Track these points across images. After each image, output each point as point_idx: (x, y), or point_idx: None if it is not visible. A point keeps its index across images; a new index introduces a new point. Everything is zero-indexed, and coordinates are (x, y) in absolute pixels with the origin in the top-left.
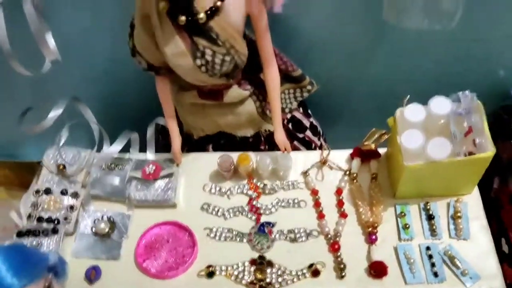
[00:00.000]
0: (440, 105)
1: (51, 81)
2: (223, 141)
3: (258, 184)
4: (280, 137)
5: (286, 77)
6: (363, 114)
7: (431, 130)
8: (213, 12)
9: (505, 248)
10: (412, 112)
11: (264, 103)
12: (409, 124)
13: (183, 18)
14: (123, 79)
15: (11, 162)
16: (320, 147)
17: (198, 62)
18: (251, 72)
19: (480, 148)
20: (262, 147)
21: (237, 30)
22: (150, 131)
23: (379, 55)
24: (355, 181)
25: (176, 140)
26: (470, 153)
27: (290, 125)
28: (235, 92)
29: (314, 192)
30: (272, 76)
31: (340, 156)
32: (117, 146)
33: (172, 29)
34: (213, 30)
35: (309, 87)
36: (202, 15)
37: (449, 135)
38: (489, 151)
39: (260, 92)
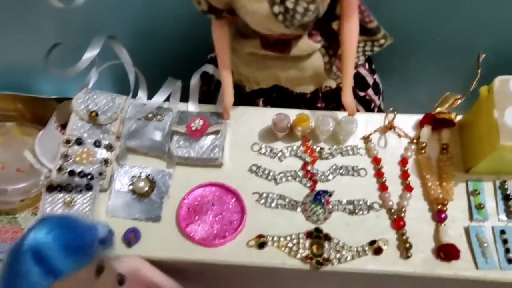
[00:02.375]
0: None
1: (79, 14)
2: (275, 94)
3: (314, 147)
4: (349, 99)
5: (359, 29)
6: (430, 73)
7: None
8: None
9: None
10: None
11: (333, 59)
12: None
13: None
14: (163, 14)
15: (24, 96)
16: (380, 108)
17: (276, 9)
18: (323, 20)
19: None
20: (319, 105)
21: None
22: (195, 79)
23: (463, 2)
24: (423, 151)
25: (229, 95)
26: None
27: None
28: (305, 44)
29: (376, 161)
30: (351, 29)
31: (406, 122)
32: (161, 97)
33: None
34: None
35: (382, 41)
36: None
37: None
38: None
39: (331, 45)
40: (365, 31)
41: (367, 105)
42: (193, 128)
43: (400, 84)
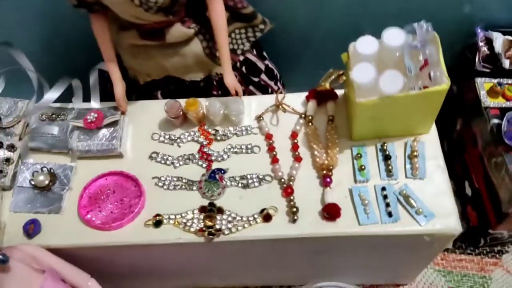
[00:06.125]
0: (394, 36)
1: None
2: (172, 87)
3: (210, 130)
4: (230, 79)
5: (235, 15)
6: (324, 54)
7: (385, 64)
8: None
9: (468, 191)
10: (364, 44)
11: (212, 43)
12: (361, 58)
13: None
14: (63, 20)
15: None
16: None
17: None
18: (196, 8)
19: (435, 81)
20: (215, 92)
21: None
22: (93, 77)
23: None
24: (310, 124)
25: (118, 85)
26: (426, 88)
27: (243, 68)
28: (178, 30)
29: (268, 137)
30: (216, 12)
31: (296, 99)
32: (54, 94)
33: None
34: None
35: (261, 26)
36: None
37: (404, 69)
38: (444, 83)
39: (208, 31)
40: (242, 17)
41: (264, 91)
42: (89, 121)
43: (299, 69)
